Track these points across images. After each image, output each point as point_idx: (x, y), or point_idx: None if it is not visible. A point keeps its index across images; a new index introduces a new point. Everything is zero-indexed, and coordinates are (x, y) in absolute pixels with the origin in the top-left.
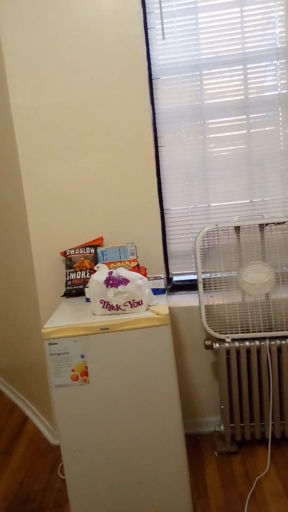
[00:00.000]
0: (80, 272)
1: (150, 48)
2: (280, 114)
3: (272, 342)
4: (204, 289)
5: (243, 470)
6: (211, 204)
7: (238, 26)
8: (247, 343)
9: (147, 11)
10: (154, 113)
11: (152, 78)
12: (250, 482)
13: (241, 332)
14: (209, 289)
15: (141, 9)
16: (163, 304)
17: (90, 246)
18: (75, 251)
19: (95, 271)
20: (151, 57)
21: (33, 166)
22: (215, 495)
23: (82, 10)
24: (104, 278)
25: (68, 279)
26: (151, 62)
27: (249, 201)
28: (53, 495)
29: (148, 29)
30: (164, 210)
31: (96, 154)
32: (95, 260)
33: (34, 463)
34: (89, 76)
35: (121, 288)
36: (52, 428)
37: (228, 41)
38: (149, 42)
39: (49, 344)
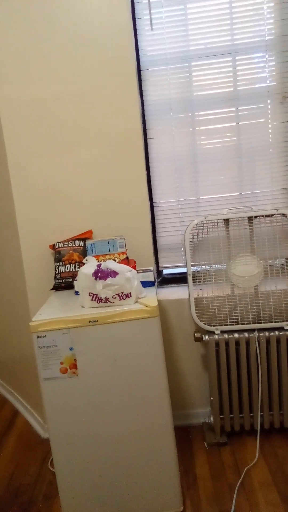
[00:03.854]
0: (69, 265)
1: (138, 39)
2: (269, 106)
3: (261, 334)
4: (193, 282)
5: (233, 461)
6: (201, 197)
7: (227, 18)
8: (236, 335)
9: (135, 1)
10: (143, 105)
11: (141, 69)
12: (239, 472)
13: (230, 324)
14: (198, 282)
15: None
16: (152, 296)
17: (79, 239)
18: (64, 244)
19: (84, 264)
20: (139, 48)
21: (21, 158)
22: (204, 485)
23: (70, 1)
24: (93, 271)
25: (57, 272)
26: (140, 53)
27: (238, 193)
28: (44, 488)
29: (136, 20)
30: (154, 203)
31: (85, 146)
32: (84, 253)
33: (25, 457)
34: (77, 67)
35: (109, 280)
36: (43, 422)
37: (217, 32)
38: (138, 33)
39: (38, 337)
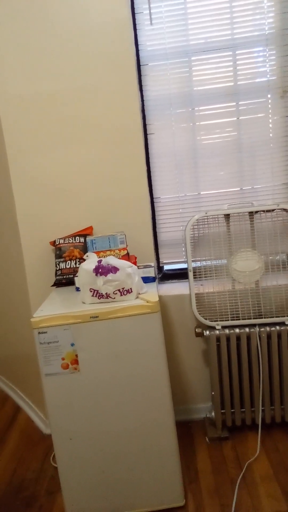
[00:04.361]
0: (69, 262)
1: (138, 33)
2: (270, 101)
3: (262, 329)
4: (194, 278)
5: (234, 455)
6: (201, 192)
7: (227, 12)
8: (237, 330)
9: None
10: (142, 100)
11: (141, 64)
12: (240, 466)
13: (231, 319)
14: (199, 277)
15: None
16: (153, 292)
17: (80, 235)
18: (64, 241)
19: (84, 260)
20: (139, 43)
21: (21, 155)
22: (206, 479)
23: None
24: (93, 267)
25: (57, 269)
26: (139, 48)
27: (239, 189)
28: (46, 483)
29: (135, 14)
30: (154, 199)
31: (85, 142)
32: (84, 249)
33: (27, 453)
34: (76, 62)
35: (110, 276)
36: (45, 418)
37: (217, 26)
38: (137, 28)
39: (39, 333)
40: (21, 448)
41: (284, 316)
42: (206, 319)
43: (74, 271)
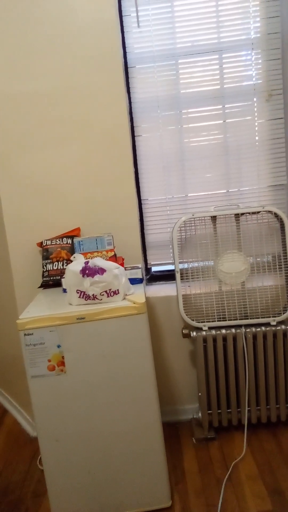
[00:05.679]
0: (57, 263)
1: (125, 36)
2: (255, 104)
3: (248, 330)
4: (181, 279)
5: (220, 455)
6: (189, 194)
7: (213, 16)
8: (223, 331)
9: None
10: (130, 102)
11: (128, 66)
12: (226, 466)
13: (218, 320)
14: (186, 278)
15: None
16: (139, 293)
17: (67, 237)
18: (51, 242)
19: (72, 261)
20: (126, 45)
21: (7, 155)
22: (192, 479)
23: None
24: (80, 268)
25: (45, 270)
26: (127, 51)
27: (225, 191)
28: (32, 486)
29: (123, 17)
30: (142, 200)
31: (73, 143)
32: (72, 251)
33: (13, 456)
34: (64, 63)
35: (97, 277)
36: (32, 421)
37: (204, 30)
38: (124, 30)
39: (25, 334)
40: (7, 451)
41: (270, 317)
42: (193, 320)
43: (61, 272)
